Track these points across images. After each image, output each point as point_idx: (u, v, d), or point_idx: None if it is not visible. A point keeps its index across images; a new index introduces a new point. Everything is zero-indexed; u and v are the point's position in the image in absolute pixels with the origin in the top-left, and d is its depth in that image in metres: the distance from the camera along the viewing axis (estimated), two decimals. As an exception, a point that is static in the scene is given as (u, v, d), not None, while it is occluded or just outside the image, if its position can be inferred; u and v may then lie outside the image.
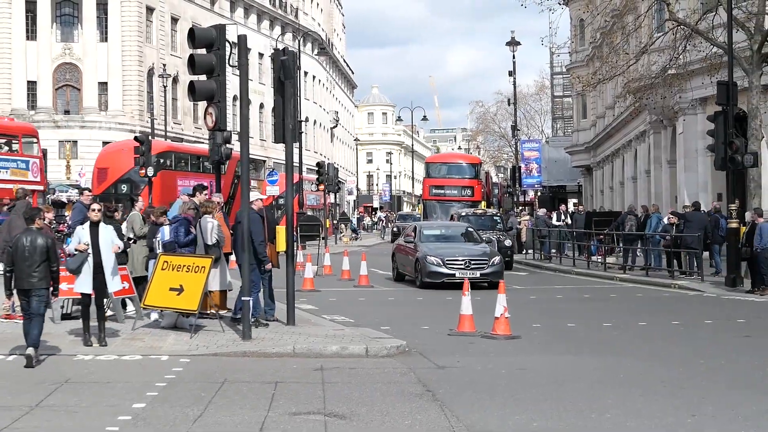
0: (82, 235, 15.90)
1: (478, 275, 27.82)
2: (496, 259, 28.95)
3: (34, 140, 42.24)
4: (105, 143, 75.18)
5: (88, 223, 16.09)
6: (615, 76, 41.31)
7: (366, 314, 21.49)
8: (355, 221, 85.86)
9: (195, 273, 16.98)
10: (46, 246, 14.58)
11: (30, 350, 14.31)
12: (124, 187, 35.71)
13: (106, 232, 16.10)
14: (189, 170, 48.92)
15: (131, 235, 19.80)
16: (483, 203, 54.44)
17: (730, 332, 18.98)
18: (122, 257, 18.84)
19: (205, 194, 19.80)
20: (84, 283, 15.88)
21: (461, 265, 28.14)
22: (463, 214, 41.17)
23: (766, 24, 31.89)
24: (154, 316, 18.62)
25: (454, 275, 27.69)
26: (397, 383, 13.24)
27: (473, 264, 28.25)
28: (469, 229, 33.20)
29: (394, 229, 78.21)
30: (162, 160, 44.99)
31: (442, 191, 56.16)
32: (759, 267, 25.99)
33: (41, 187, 36.56)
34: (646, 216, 34.90)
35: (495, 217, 42.08)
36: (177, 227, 18.07)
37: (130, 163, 37.77)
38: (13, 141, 40.27)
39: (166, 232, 18.27)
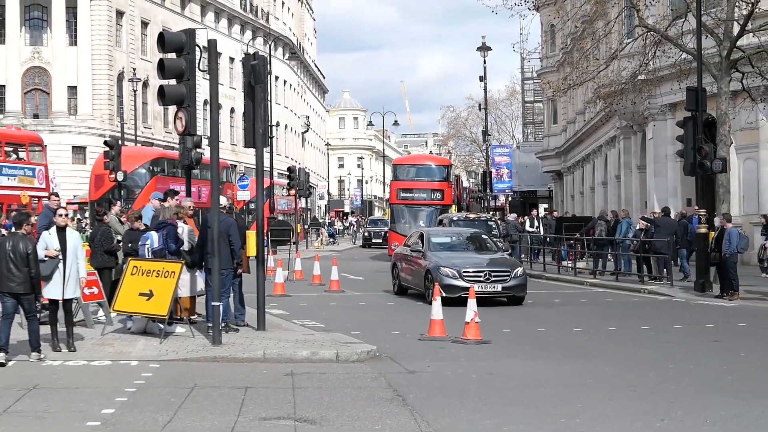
0: (49, 240, 15.78)
1: (500, 289, 24.71)
2: (519, 270, 25.45)
3: (39, 148, 43.11)
4: (75, 148, 75.09)
5: (54, 228, 15.99)
6: (585, 81, 41.42)
7: (337, 319, 21.48)
8: (333, 227, 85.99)
9: (164, 278, 16.94)
10: (26, 251, 14.80)
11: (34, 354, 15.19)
12: (122, 193, 36.11)
13: (72, 237, 16.03)
14: (181, 176, 48.58)
15: (119, 237, 19.88)
16: (454, 207, 52.39)
17: (699, 337, 19.07)
18: (112, 260, 18.88)
19: (177, 199, 19.73)
20: (53, 289, 15.79)
21: (480, 277, 24.52)
22: (455, 218, 39.73)
23: (734, 30, 32.06)
24: (180, 329, 18.13)
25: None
26: (368, 388, 13.24)
27: (494, 276, 24.69)
28: (483, 235, 29.68)
29: (365, 234, 77.90)
30: (156, 167, 47.50)
31: (411, 194, 52.70)
32: (728, 272, 26.11)
33: (46, 194, 36.76)
34: (616, 221, 35.05)
35: (490, 222, 38.82)
36: (167, 234, 17.98)
37: (127, 170, 38.12)
38: (20, 149, 41.31)
39: (155, 239, 18.17)
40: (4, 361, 14.85)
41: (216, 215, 16.81)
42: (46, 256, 15.60)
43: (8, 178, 38.39)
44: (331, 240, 77.47)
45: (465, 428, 10.83)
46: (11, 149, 40.69)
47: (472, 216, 41.64)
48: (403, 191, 52.91)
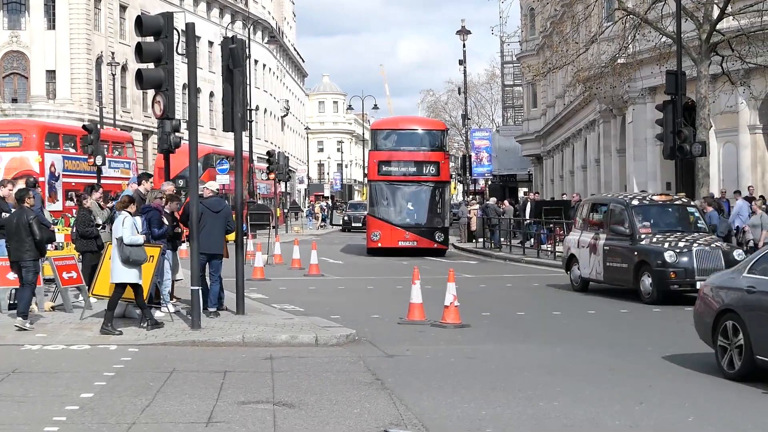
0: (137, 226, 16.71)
1: None
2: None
3: (131, 145, 52.85)
4: (53, 131, 74.61)
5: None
6: (565, 65, 41.51)
7: (316, 303, 21.44)
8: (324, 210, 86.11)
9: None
10: (27, 222, 16.24)
11: (18, 319, 16.34)
12: (180, 182, 38.08)
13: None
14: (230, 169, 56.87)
15: (100, 221, 19.86)
16: (453, 185, 46.24)
17: (680, 320, 19.09)
18: (91, 244, 18.74)
19: (151, 182, 19.65)
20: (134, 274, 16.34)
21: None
22: (636, 203, 23.95)
23: (714, 14, 32.15)
24: (170, 308, 18.25)
25: None
26: (347, 372, 13.25)
27: None
28: (690, 209, 24.39)
29: (345, 217, 75.36)
30: (208, 162, 56.57)
31: (396, 168, 40.50)
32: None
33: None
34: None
35: (690, 209, 24.79)
36: (150, 218, 17.89)
37: (185, 163, 39.12)
38: (121, 147, 49.87)
39: (138, 224, 18.09)
40: (27, 328, 16.14)
41: (196, 199, 16.77)
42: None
43: (114, 170, 44.94)
44: (323, 224, 79.31)
45: (444, 412, 10.83)
46: (115, 147, 48.38)
47: (661, 199, 25.15)
48: (385, 164, 40.69)
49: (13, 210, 17.30)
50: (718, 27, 32.04)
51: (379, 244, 39.46)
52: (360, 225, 65.60)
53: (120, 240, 16.02)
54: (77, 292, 19.43)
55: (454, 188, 45.63)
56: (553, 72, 46.13)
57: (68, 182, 41.78)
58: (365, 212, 60.59)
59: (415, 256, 37.29)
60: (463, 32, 64.84)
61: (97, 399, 11.22)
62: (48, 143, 42.50)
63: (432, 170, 40.29)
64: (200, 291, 16.70)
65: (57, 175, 40.90)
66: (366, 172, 41.62)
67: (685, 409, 11.00)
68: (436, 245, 39.56)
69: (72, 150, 43.15)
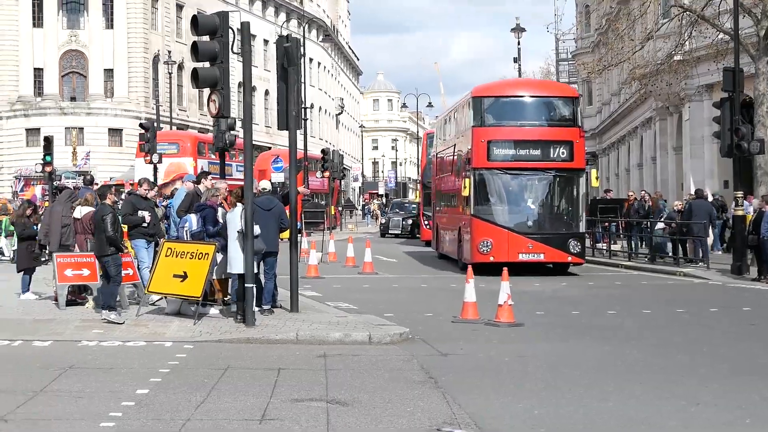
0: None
1: None
2: None
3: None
4: (111, 130, 75.63)
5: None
6: (620, 62, 41.22)
7: (370, 301, 21.48)
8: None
9: (198, 260, 17.02)
10: (101, 218, 17.14)
11: (104, 312, 17.15)
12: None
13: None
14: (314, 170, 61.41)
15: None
16: (594, 173, 31.03)
17: (734, 320, 18.92)
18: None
19: (211, 179, 19.80)
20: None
21: None
22: None
23: (772, 10, 31.77)
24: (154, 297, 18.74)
25: None
26: (400, 370, 13.22)
27: None
28: None
29: (383, 221, 64.24)
30: (307, 165, 57.59)
31: (514, 151, 29.34)
32: (765, 255, 25.88)
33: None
34: (655, 203, 34.89)
35: None
36: (205, 216, 18.06)
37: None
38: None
39: (193, 222, 18.25)
40: (117, 321, 16.85)
41: (250, 197, 16.84)
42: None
43: (240, 173, 45.43)
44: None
45: (497, 411, 10.79)
46: (241, 152, 49.72)
47: None
48: (499, 145, 29.41)
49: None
50: (776, 23, 31.65)
51: (491, 258, 28.22)
52: (399, 232, 57.50)
53: (241, 232, 16.57)
54: (133, 289, 19.64)
55: (596, 178, 31.33)
56: (609, 69, 45.92)
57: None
58: (413, 215, 57.37)
59: (538, 274, 29.10)
60: (518, 30, 64.39)
61: (153, 395, 11.31)
62: (199, 151, 49.14)
63: (563, 153, 29.18)
64: (254, 288, 16.77)
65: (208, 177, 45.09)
66: (467, 156, 29.60)
67: (742, 410, 10.86)
68: (570, 258, 29.05)
69: (213, 156, 46.83)
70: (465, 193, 28.98)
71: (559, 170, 29.19)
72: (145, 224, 19.12)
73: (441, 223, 36.23)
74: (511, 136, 29.40)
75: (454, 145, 33.10)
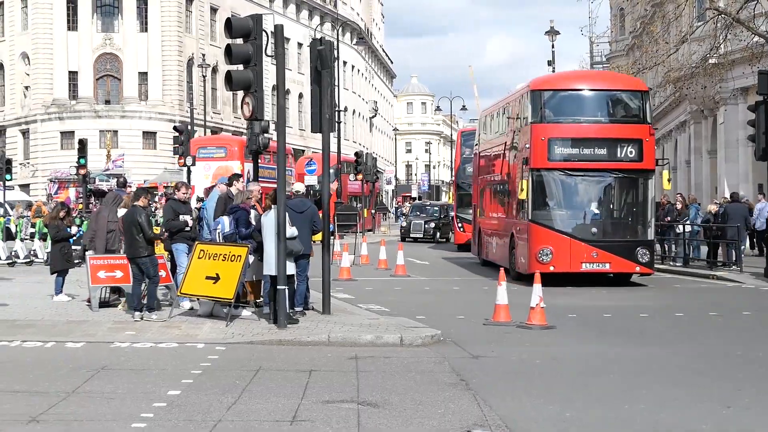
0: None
1: None
2: None
3: (289, 156, 56.48)
4: (145, 133, 76.07)
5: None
6: (655, 65, 41.07)
7: (402, 303, 21.44)
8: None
9: (231, 262, 17.03)
10: (137, 221, 17.41)
11: (136, 314, 17.63)
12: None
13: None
14: (347, 173, 64.04)
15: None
16: (666, 173, 27.51)
17: (768, 324, 18.83)
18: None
19: (242, 182, 19.84)
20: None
21: None
22: None
23: (807, 12, 31.58)
24: (187, 304, 18.78)
25: None
26: (431, 372, 13.20)
27: None
28: None
29: (403, 224, 60.85)
30: (340, 167, 57.40)
31: (577, 150, 26.83)
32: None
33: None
34: (684, 206, 34.68)
35: None
36: (238, 219, 18.11)
37: (319, 171, 44.67)
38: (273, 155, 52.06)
39: (225, 224, 18.29)
40: (139, 319, 17.37)
41: (283, 199, 16.87)
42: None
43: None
44: None
45: (528, 414, 10.77)
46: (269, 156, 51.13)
47: None
48: (561, 144, 26.94)
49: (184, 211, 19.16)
50: (812, 26, 31.46)
51: (551, 268, 25.79)
52: (420, 236, 54.98)
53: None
54: (166, 290, 19.72)
55: (669, 180, 27.91)
56: (643, 72, 45.63)
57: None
58: (435, 218, 55.75)
59: (602, 285, 26.88)
60: (552, 33, 64.11)
61: (184, 396, 11.34)
62: (246, 155, 48.44)
63: (631, 152, 26.61)
64: (287, 290, 16.79)
65: (250, 180, 45.86)
66: (525, 156, 26.90)
67: (775, 414, 10.80)
68: (638, 268, 26.51)
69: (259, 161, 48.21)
70: (522, 196, 26.45)
71: (627, 171, 26.67)
72: (187, 228, 19.10)
73: (486, 227, 33.57)
74: (574, 133, 26.97)
75: (505, 143, 30.49)
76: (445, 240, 53.54)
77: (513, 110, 30.10)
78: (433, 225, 55.15)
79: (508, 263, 28.24)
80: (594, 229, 26.55)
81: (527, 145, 26.88)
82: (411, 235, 54.73)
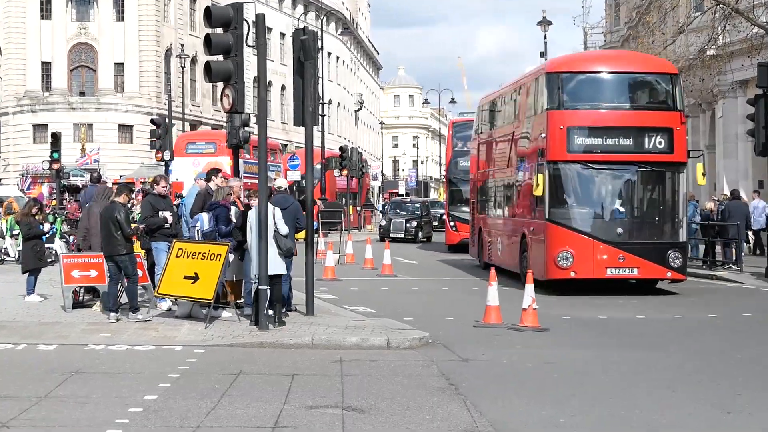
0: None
1: None
2: None
3: (277, 151, 58.77)
4: (121, 126, 75.36)
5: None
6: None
7: (389, 304, 21.19)
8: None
9: (210, 261, 16.72)
10: (115, 218, 17.10)
11: (111, 315, 17.20)
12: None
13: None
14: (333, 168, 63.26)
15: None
16: (700, 167, 25.00)
17: (768, 325, 18.60)
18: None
19: (221, 178, 19.33)
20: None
21: None
22: None
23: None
24: (165, 305, 18.44)
25: None
26: (419, 376, 13.01)
27: None
28: None
29: (381, 223, 56.64)
30: (328, 163, 58.94)
31: (601, 140, 24.17)
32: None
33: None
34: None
35: None
36: (218, 215, 17.72)
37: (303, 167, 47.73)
38: (274, 152, 53.88)
39: (205, 221, 17.89)
40: (114, 320, 17.03)
41: (265, 197, 16.52)
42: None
43: (273, 173, 47.75)
44: None
45: (520, 419, 10.59)
46: (271, 152, 52.47)
47: None
48: (583, 132, 24.31)
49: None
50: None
51: (573, 273, 23.45)
52: (401, 235, 51.28)
53: (276, 232, 16.46)
54: (143, 291, 19.23)
55: (703, 174, 24.89)
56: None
57: (246, 182, 48.71)
58: (416, 216, 53.36)
59: (628, 293, 24.20)
60: (544, 23, 63.77)
61: (161, 401, 11.15)
62: None
63: (661, 142, 23.98)
64: (268, 291, 16.39)
65: (240, 176, 46.86)
66: (542, 146, 24.37)
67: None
68: (669, 273, 23.85)
69: (247, 155, 47.47)
70: (537, 192, 23.72)
71: (656, 164, 24.03)
72: (167, 225, 18.54)
73: (488, 227, 31.04)
74: (597, 121, 24.25)
75: (513, 132, 27.84)
76: (426, 240, 52.47)
77: (523, 95, 27.50)
78: (414, 224, 52.59)
79: (518, 267, 25.67)
80: (620, 230, 23.83)
81: (543, 135, 24.32)
82: (391, 235, 49.32)
